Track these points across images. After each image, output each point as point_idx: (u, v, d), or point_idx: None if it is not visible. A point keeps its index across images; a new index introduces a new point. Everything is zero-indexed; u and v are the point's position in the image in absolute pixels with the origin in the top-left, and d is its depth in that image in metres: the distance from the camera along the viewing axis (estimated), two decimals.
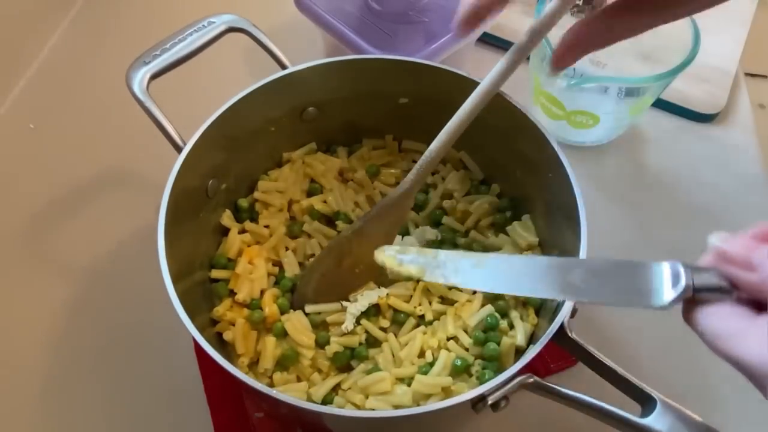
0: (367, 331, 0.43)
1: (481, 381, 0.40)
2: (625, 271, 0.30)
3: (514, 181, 0.48)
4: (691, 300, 0.27)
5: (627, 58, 0.59)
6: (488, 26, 0.62)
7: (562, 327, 0.35)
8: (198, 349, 0.46)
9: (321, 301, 0.44)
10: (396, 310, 0.44)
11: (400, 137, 0.53)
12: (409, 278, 0.40)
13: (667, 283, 0.28)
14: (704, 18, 0.54)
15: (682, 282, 0.27)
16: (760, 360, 0.23)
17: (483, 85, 0.39)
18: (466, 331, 0.43)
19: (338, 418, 0.34)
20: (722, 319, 0.26)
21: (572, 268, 0.31)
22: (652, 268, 0.29)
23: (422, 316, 0.44)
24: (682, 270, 0.27)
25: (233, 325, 0.43)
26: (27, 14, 0.65)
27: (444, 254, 0.35)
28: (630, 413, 0.32)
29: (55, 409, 0.46)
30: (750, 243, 0.26)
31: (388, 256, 0.37)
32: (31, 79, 0.64)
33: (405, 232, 0.49)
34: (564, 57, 0.36)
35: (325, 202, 0.49)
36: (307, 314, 0.44)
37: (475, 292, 0.45)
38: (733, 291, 0.26)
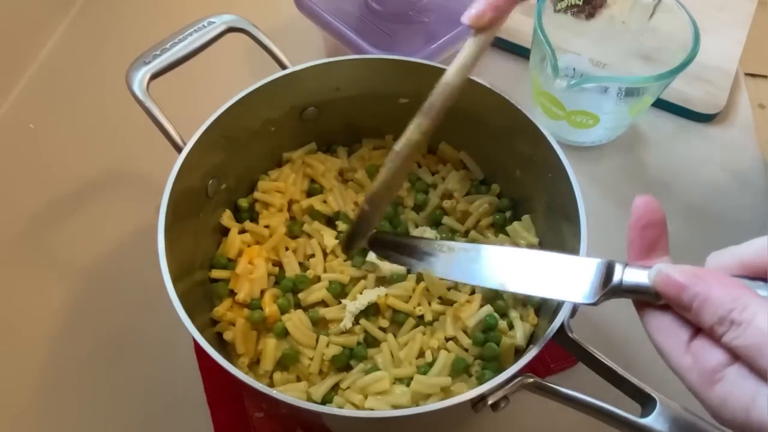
0: (366, 331, 0.44)
1: (481, 381, 0.40)
2: (564, 266, 0.33)
3: (514, 181, 0.48)
4: (644, 303, 0.28)
5: (627, 58, 0.59)
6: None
7: (562, 327, 0.35)
8: (198, 349, 0.46)
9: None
10: (395, 310, 0.44)
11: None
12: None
13: (599, 281, 0.30)
14: (704, 18, 0.55)
15: (612, 281, 0.29)
16: (691, 381, 0.25)
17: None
18: (465, 332, 0.43)
19: (338, 417, 0.34)
20: (662, 332, 0.27)
21: (512, 259, 0.35)
22: (588, 264, 0.31)
23: (421, 317, 0.44)
24: (616, 268, 0.30)
25: (233, 325, 0.43)
26: (27, 14, 0.65)
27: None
28: (630, 413, 0.32)
29: (54, 408, 0.46)
30: (695, 277, 0.26)
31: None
32: (31, 79, 0.64)
33: (405, 233, 0.49)
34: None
35: (325, 202, 0.49)
36: (305, 309, 0.44)
37: (473, 292, 0.45)
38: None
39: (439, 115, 0.35)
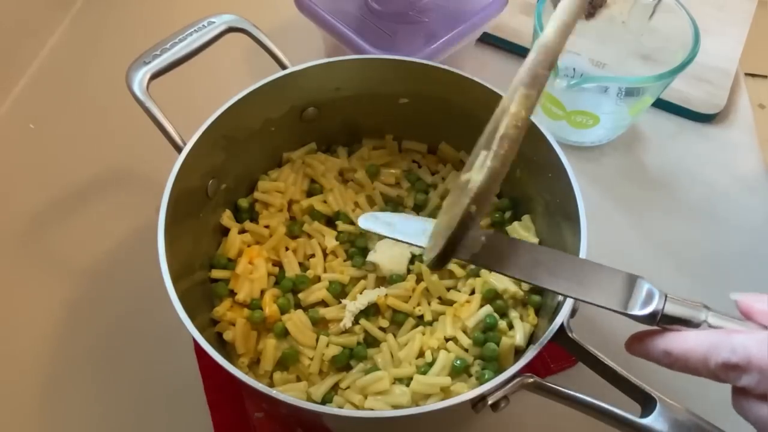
0: (366, 331, 0.44)
1: (481, 381, 0.40)
2: (609, 276, 0.33)
3: (514, 181, 0.48)
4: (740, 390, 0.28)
5: (627, 58, 0.59)
6: (489, 26, 0.62)
7: (562, 327, 0.35)
8: (198, 349, 0.46)
9: None
10: (395, 310, 0.44)
11: (400, 137, 0.53)
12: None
13: (638, 300, 0.31)
14: (704, 18, 0.55)
15: (653, 305, 0.30)
16: None
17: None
18: (465, 332, 0.43)
19: (338, 417, 0.34)
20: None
21: (560, 262, 0.34)
22: (636, 282, 0.32)
23: (421, 317, 0.44)
24: (656, 295, 0.31)
25: (233, 325, 0.43)
26: (27, 14, 0.65)
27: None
28: (630, 413, 0.32)
29: (54, 408, 0.46)
30: None
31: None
32: (31, 79, 0.64)
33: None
34: None
35: (325, 202, 0.49)
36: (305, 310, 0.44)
37: (473, 293, 0.45)
38: (702, 324, 0.29)
39: (543, 84, 0.29)
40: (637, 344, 0.32)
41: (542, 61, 0.29)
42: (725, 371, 0.28)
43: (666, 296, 0.31)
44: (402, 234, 0.39)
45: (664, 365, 0.30)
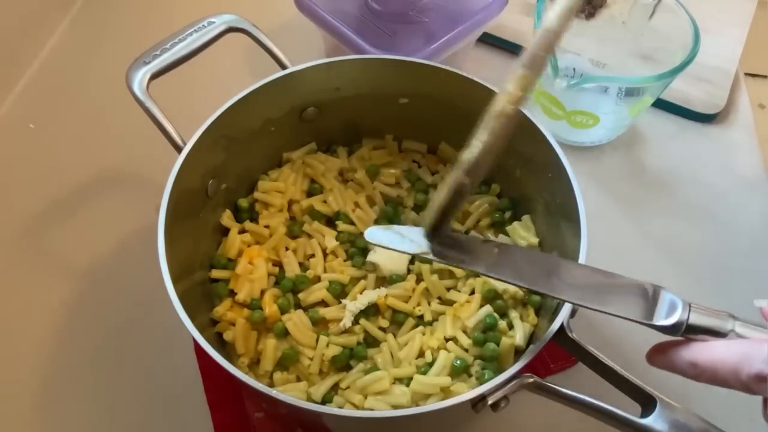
0: (366, 331, 0.44)
1: (481, 381, 0.40)
2: (630, 289, 0.32)
3: (514, 181, 0.48)
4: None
5: (627, 58, 0.59)
6: (489, 26, 0.62)
7: (562, 327, 0.35)
8: (198, 349, 0.46)
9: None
10: (395, 310, 0.44)
11: (400, 137, 0.53)
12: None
13: (661, 310, 0.30)
14: (704, 18, 0.55)
15: (676, 315, 0.30)
16: None
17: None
18: (465, 332, 0.43)
19: (338, 417, 0.34)
20: None
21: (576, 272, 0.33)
22: (658, 292, 0.31)
23: (421, 317, 0.44)
24: (680, 305, 0.30)
25: (233, 325, 0.43)
26: (27, 14, 0.65)
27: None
28: (630, 413, 0.32)
29: (54, 408, 0.46)
30: None
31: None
32: (31, 79, 0.64)
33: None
34: None
35: (325, 202, 0.49)
36: (306, 311, 0.44)
37: (473, 292, 0.45)
38: (729, 333, 0.28)
39: (542, 66, 0.30)
40: (659, 356, 0.31)
41: (542, 43, 0.30)
42: (758, 383, 0.26)
43: (690, 306, 0.30)
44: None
45: (689, 377, 0.29)
